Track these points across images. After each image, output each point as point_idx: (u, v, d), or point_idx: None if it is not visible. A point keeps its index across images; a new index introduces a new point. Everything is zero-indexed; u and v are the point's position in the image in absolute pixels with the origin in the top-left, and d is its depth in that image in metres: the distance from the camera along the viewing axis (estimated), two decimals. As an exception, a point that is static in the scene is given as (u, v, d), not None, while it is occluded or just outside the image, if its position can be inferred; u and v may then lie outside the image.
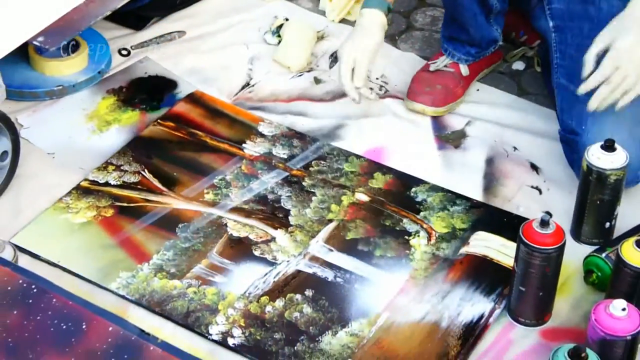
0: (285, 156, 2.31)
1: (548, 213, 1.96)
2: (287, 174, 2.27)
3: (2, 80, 2.29)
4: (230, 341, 1.92)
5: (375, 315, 1.98)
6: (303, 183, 2.25)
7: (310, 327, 1.95)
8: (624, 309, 1.74)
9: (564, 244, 1.88)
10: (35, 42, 2.28)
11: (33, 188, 2.22)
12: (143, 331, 1.61)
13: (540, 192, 2.24)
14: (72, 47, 2.50)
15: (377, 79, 2.54)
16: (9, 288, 1.67)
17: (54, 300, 1.65)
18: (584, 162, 2.04)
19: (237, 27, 2.69)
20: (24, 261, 2.03)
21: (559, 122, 2.27)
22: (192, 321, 1.95)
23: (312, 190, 2.23)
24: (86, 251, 2.08)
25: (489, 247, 2.11)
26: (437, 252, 2.10)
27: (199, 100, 2.45)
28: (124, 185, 2.22)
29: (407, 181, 2.26)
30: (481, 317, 1.98)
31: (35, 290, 1.66)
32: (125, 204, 2.18)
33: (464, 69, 2.46)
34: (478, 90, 2.52)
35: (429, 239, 2.13)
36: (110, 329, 1.61)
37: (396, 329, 1.96)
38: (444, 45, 2.47)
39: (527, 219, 2.01)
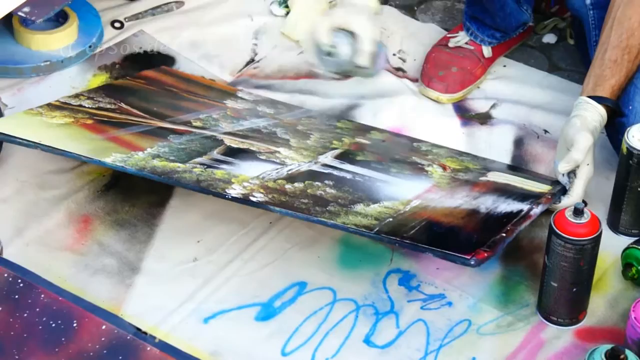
0: (272, 112, 2.30)
1: (583, 201, 1.97)
2: (277, 121, 2.26)
3: (-17, 54, 2.30)
4: (253, 199, 1.88)
5: (406, 199, 1.97)
6: (297, 127, 2.24)
7: (339, 199, 1.93)
8: (666, 306, 1.74)
9: (600, 234, 1.87)
10: (20, 13, 2.27)
11: (17, 176, 2.21)
12: (139, 330, 1.61)
13: (586, 204, 2.22)
14: (61, 19, 2.50)
15: (394, 54, 2.53)
16: (-7, 282, 1.67)
17: (42, 295, 1.65)
18: (623, 144, 2.04)
19: (242, -3, 2.69)
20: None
21: None
22: (206, 186, 1.91)
23: (309, 132, 2.22)
24: (70, 140, 2.02)
25: (509, 180, 2.14)
26: (456, 177, 2.12)
27: (168, 72, 2.45)
28: (101, 109, 2.18)
29: (407, 138, 2.28)
30: (520, 210, 1.97)
31: (21, 285, 1.67)
32: (105, 119, 2.14)
33: (487, 51, 2.45)
34: (505, 66, 2.52)
35: (444, 170, 2.14)
36: (104, 327, 1.61)
37: (433, 207, 1.96)
38: (466, 23, 2.46)
39: (547, 176, 2.09)
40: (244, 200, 1.88)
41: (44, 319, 1.63)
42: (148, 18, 2.62)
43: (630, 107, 2.15)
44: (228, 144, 2.10)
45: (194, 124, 2.17)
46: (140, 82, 2.35)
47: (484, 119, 2.38)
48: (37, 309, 1.64)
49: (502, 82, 2.47)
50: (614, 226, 2.12)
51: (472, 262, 1.77)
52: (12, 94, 2.39)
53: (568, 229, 1.86)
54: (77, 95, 2.23)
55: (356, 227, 1.83)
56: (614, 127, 2.20)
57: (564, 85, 2.46)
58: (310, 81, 2.48)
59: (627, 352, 1.70)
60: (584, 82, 2.17)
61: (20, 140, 1.98)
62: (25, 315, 1.63)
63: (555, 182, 2.14)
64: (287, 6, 2.64)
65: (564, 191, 2.12)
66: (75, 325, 1.62)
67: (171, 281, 2.02)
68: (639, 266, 2.00)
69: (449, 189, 2.06)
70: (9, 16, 2.32)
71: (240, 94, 2.39)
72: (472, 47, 2.45)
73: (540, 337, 1.95)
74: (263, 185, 1.93)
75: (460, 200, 2.01)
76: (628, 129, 2.05)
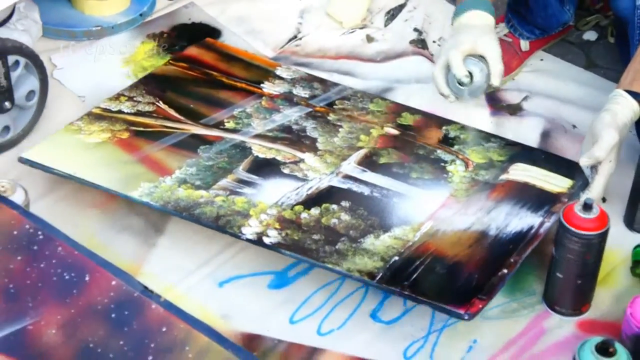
0: (306, 96, 2.33)
1: (603, 198, 1.97)
2: (310, 109, 2.29)
3: (40, 17, 2.35)
4: (266, 240, 1.93)
5: (418, 223, 1.99)
6: (328, 117, 2.26)
7: (350, 231, 1.96)
8: (662, 305, 1.74)
9: (607, 230, 1.87)
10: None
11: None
12: (146, 288, 1.66)
13: (604, 200, 2.21)
14: (115, -13, 2.55)
15: (434, 42, 2.54)
16: (15, 232, 1.73)
17: (60, 248, 1.71)
18: (643, 144, 2.03)
19: (291, -24, 2.71)
20: (35, 205, 2.08)
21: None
22: (223, 224, 1.96)
23: (339, 124, 2.24)
24: (103, 165, 2.08)
25: (530, 176, 2.14)
26: (476, 177, 2.13)
27: (212, 47, 2.47)
28: (139, 114, 2.23)
29: (437, 121, 2.28)
30: (531, 228, 2.00)
31: (41, 237, 1.72)
32: (141, 129, 2.19)
33: (524, 45, 2.46)
34: (542, 60, 2.52)
35: (466, 167, 2.15)
36: (114, 282, 1.66)
37: (442, 235, 1.98)
38: (508, 15, 2.46)
39: (570, 160, 2.11)
40: (258, 242, 1.93)
41: (59, 270, 1.68)
42: (200, -10, 2.66)
43: None
44: (255, 154, 2.14)
45: (227, 125, 2.22)
46: (181, 67, 2.39)
47: (515, 110, 2.38)
48: (53, 261, 1.69)
49: (537, 75, 2.47)
50: (630, 224, 2.12)
51: (466, 317, 1.81)
52: (62, 56, 2.45)
53: (576, 223, 1.87)
54: (117, 97, 2.28)
55: (360, 276, 1.87)
56: None
57: (599, 82, 2.45)
58: (349, 62, 2.50)
59: (617, 345, 1.70)
60: (622, 76, 2.14)
61: (57, 172, 2.05)
62: (42, 265, 1.69)
63: (579, 173, 2.14)
64: (334, -12, 2.66)
65: (585, 184, 2.12)
66: (87, 278, 1.67)
67: (192, 245, 2.06)
68: (646, 264, 2.00)
69: (465, 199, 2.07)
70: (66, -19, 2.39)
71: (279, 72, 2.41)
72: (510, 40, 2.46)
73: (542, 326, 1.95)
74: (279, 217, 1.98)
75: (472, 217, 2.03)
76: (649, 127, 2.04)
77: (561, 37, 2.55)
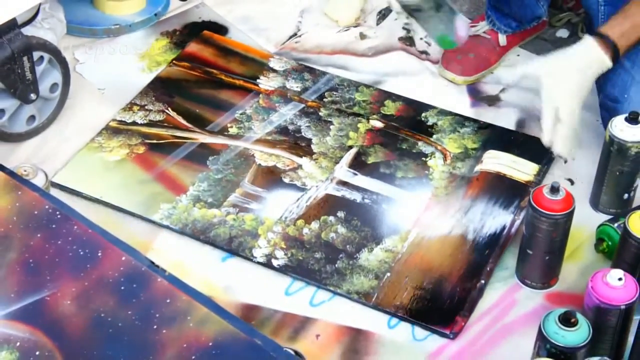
0: (298, 89, 2.34)
1: (570, 180, 1.96)
2: (303, 105, 2.30)
3: (64, 16, 2.34)
4: (275, 262, 1.96)
5: (405, 231, 2.03)
6: (319, 113, 2.28)
7: (347, 246, 1.99)
8: (620, 279, 1.72)
9: (572, 211, 1.86)
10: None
11: (80, 120, 2.27)
12: (153, 263, 1.65)
13: (565, 161, 2.21)
14: (133, -11, 2.54)
15: (421, 39, 2.53)
16: (36, 212, 1.72)
17: (75, 227, 1.70)
18: (607, 132, 2.01)
19: (292, -21, 2.70)
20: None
21: (601, 89, 2.22)
22: (236, 246, 1.98)
23: (329, 120, 2.26)
24: (125, 186, 2.11)
25: (501, 164, 2.16)
26: (453, 171, 2.16)
27: (209, 40, 2.47)
28: (151, 124, 2.24)
29: (416, 107, 2.30)
30: (503, 228, 2.02)
31: (59, 216, 1.71)
32: (155, 141, 2.21)
33: (502, 39, 2.43)
34: (518, 55, 2.49)
35: (444, 159, 2.17)
36: (123, 258, 1.65)
37: (427, 243, 2.01)
38: (487, 11, 2.44)
39: (534, 137, 2.13)
40: (268, 265, 1.96)
41: (74, 247, 1.67)
42: (210, -8, 2.64)
43: (626, 96, 2.13)
44: (258, 162, 2.16)
45: (230, 130, 2.23)
46: (183, 68, 2.39)
47: (493, 101, 2.37)
48: (70, 238, 1.68)
49: (514, 69, 2.44)
50: (595, 205, 2.11)
51: (451, 336, 1.85)
52: (84, 51, 2.44)
53: (544, 204, 1.86)
54: (130, 107, 2.28)
55: (358, 297, 1.90)
56: (609, 113, 2.17)
57: (570, 75, 2.42)
58: (344, 57, 2.48)
59: (579, 316, 1.69)
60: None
61: (85, 195, 2.07)
62: (59, 242, 1.68)
63: (544, 153, 2.15)
64: (331, -11, 2.64)
65: (549, 164, 2.16)
66: (99, 254, 1.66)
67: (198, 223, 2.06)
68: (609, 241, 1.98)
69: (445, 198, 2.09)
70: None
71: (272, 63, 2.42)
72: (489, 37, 2.44)
73: (514, 298, 1.95)
74: (284, 234, 2.00)
75: (452, 220, 2.05)
76: (612, 119, 2.02)
77: (536, 34, 2.52)
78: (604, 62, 2.04)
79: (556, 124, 2.05)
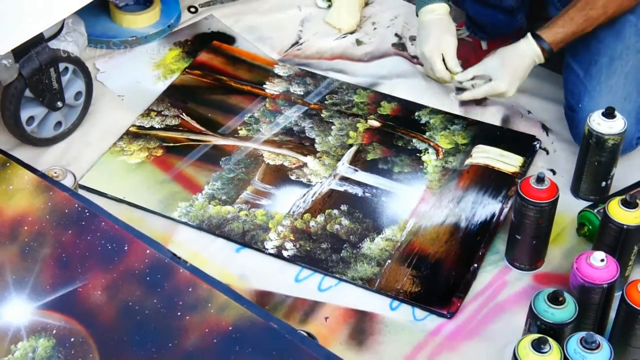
0: (301, 93, 2.33)
1: (552, 170, 1.95)
2: (306, 107, 2.29)
3: (85, 29, 2.33)
4: (285, 253, 1.95)
5: (403, 221, 2.02)
6: (321, 115, 2.27)
7: (351, 236, 1.98)
8: (602, 260, 1.72)
9: (557, 199, 1.86)
10: (110, -2, 2.31)
11: (103, 125, 2.26)
12: (175, 255, 1.64)
13: (547, 153, 2.21)
14: (147, 3, 2.52)
15: (412, 44, 2.51)
16: (66, 211, 1.71)
17: (103, 223, 1.69)
18: (586, 126, 2.01)
19: (293, -9, 2.68)
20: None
21: (564, 98, 2.23)
22: (249, 239, 1.98)
23: (331, 121, 2.25)
24: (146, 187, 2.09)
25: (489, 158, 2.16)
26: (446, 165, 2.14)
27: (218, 50, 2.45)
28: (167, 128, 2.23)
29: (410, 106, 2.29)
30: (493, 215, 2.02)
31: (87, 214, 1.70)
32: (171, 144, 2.20)
33: (484, 44, 2.43)
34: (501, 56, 2.48)
35: (437, 154, 2.16)
36: (148, 251, 1.65)
37: (424, 231, 2.00)
38: (467, 22, 2.43)
39: (518, 132, 2.16)
40: (278, 256, 1.95)
41: (102, 242, 1.66)
42: (217, 5, 2.63)
43: (580, 105, 2.12)
44: (267, 161, 2.15)
45: (240, 133, 2.22)
46: (195, 76, 2.38)
47: (480, 100, 2.35)
48: (98, 234, 1.68)
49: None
50: (575, 192, 2.10)
51: (449, 316, 1.85)
52: (104, 61, 2.43)
53: (531, 193, 1.85)
54: (148, 113, 2.27)
55: (362, 283, 1.90)
56: (569, 121, 2.19)
57: (547, 74, 2.38)
58: (342, 62, 2.46)
59: (566, 295, 1.69)
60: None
61: (110, 196, 2.06)
62: (89, 238, 1.67)
63: (529, 143, 2.17)
64: (329, 0, 2.62)
65: (532, 157, 2.15)
66: (126, 248, 1.65)
67: (214, 217, 2.05)
68: (590, 226, 1.98)
69: (439, 191, 2.09)
70: (106, 0, 2.36)
71: (277, 69, 2.41)
72: (471, 40, 2.43)
73: (505, 279, 1.94)
74: (293, 227, 2.00)
75: (446, 210, 2.04)
76: (590, 114, 2.02)
77: (517, 36, 2.50)
78: (539, 56, 2.15)
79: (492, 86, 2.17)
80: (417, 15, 2.28)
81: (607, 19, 2.11)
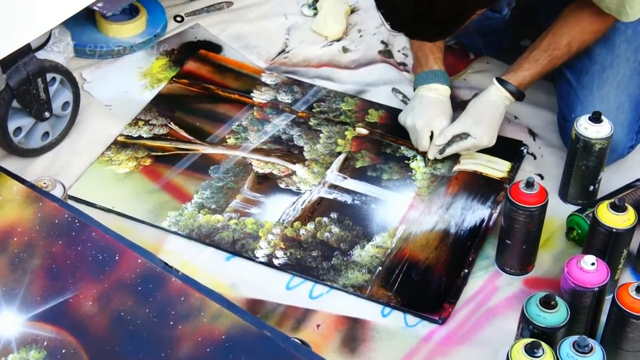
0: (289, 101, 2.31)
1: (540, 175, 1.95)
2: (294, 116, 2.28)
3: (72, 39, 2.31)
4: (275, 261, 1.93)
5: (393, 228, 2.00)
6: (309, 123, 2.26)
7: (341, 244, 1.97)
8: (593, 264, 1.72)
9: (546, 204, 1.86)
10: (95, 7, 2.29)
11: (90, 135, 2.24)
12: (167, 264, 1.63)
13: (535, 158, 2.21)
14: (133, 13, 2.51)
15: (398, 51, 2.51)
16: (56, 221, 1.69)
17: (93, 233, 1.67)
18: (573, 131, 2.01)
19: (279, 0, 2.67)
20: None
21: (558, 106, 2.23)
22: (239, 248, 1.96)
23: (319, 129, 2.24)
24: (135, 196, 2.07)
25: (477, 164, 2.15)
26: (434, 172, 2.13)
27: (205, 58, 2.44)
28: (156, 137, 2.21)
29: (397, 113, 2.26)
30: (482, 221, 2.01)
31: (77, 224, 1.69)
32: (160, 154, 2.18)
33: (471, 54, 2.43)
34: (488, 62, 2.47)
35: (425, 161, 2.15)
36: (139, 261, 1.63)
37: (413, 238, 1.99)
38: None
39: (508, 138, 2.16)
40: (269, 264, 1.93)
41: (93, 252, 1.65)
42: (203, 14, 2.62)
43: (573, 115, 2.12)
44: (255, 169, 2.13)
45: (229, 141, 2.20)
46: (183, 84, 2.36)
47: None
48: (88, 244, 1.66)
49: (484, 75, 2.42)
50: (563, 197, 2.10)
51: (440, 322, 1.84)
52: (91, 71, 2.41)
53: (520, 198, 1.85)
54: (136, 122, 2.24)
55: (353, 290, 1.88)
56: (561, 130, 2.19)
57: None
58: (329, 69, 2.45)
59: (558, 299, 1.69)
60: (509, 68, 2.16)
61: (99, 206, 2.03)
62: (79, 248, 1.66)
63: (514, 150, 2.16)
64: (315, 8, 2.62)
65: (520, 161, 2.16)
66: (117, 258, 1.64)
67: (204, 226, 2.03)
68: (579, 230, 1.98)
69: (428, 197, 2.08)
70: (92, 10, 2.34)
71: (264, 78, 2.39)
72: (457, 47, 2.43)
73: (496, 284, 1.94)
74: (283, 235, 1.98)
75: (435, 216, 2.03)
76: (577, 118, 2.02)
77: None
78: (510, 99, 2.13)
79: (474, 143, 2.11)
80: (414, 90, 2.22)
81: (572, 56, 2.11)
